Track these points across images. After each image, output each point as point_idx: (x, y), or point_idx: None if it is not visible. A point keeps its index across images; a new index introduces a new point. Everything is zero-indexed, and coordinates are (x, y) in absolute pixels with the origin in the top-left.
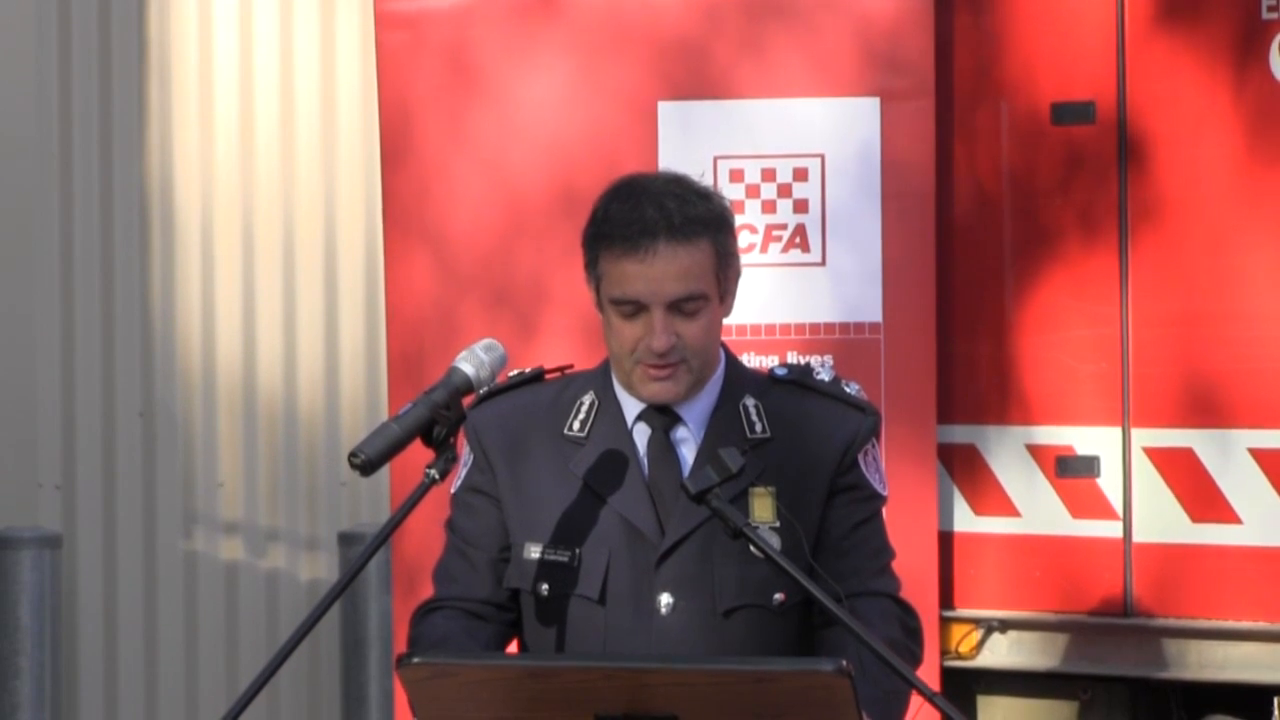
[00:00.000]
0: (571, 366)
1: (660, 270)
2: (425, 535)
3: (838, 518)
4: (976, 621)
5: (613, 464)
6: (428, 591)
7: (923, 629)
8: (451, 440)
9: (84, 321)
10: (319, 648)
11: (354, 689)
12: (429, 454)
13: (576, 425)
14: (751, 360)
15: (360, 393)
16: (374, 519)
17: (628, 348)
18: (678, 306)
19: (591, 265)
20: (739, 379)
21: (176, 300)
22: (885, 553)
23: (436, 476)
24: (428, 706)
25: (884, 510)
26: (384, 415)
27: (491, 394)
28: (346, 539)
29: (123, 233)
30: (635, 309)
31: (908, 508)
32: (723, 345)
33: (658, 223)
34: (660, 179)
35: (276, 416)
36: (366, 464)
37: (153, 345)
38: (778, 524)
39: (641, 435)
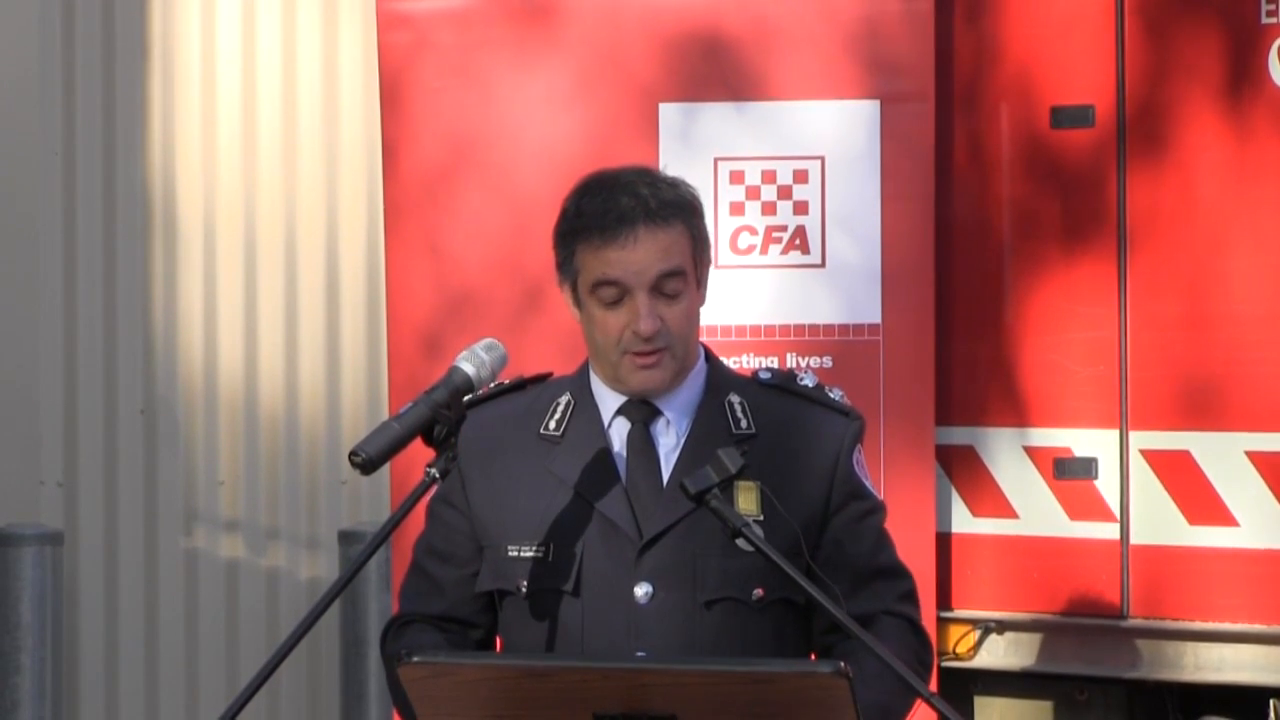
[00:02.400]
0: (551, 374)
1: (642, 254)
2: None
3: (851, 538)
4: (974, 622)
5: (589, 460)
6: None
7: (933, 660)
8: (452, 439)
9: (86, 320)
10: (319, 646)
11: (353, 687)
12: (429, 453)
13: (552, 425)
14: (750, 361)
15: (361, 391)
16: (374, 518)
17: (613, 338)
18: (659, 289)
19: (566, 262)
20: (723, 376)
21: (178, 298)
22: (906, 577)
23: (437, 475)
24: (426, 705)
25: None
26: (384, 414)
27: (472, 404)
28: (346, 537)
29: (125, 231)
30: (618, 295)
31: (906, 508)
32: (703, 345)
33: (635, 209)
34: (627, 171)
35: (277, 415)
36: (367, 462)
37: (154, 343)
38: (762, 517)
39: (618, 431)
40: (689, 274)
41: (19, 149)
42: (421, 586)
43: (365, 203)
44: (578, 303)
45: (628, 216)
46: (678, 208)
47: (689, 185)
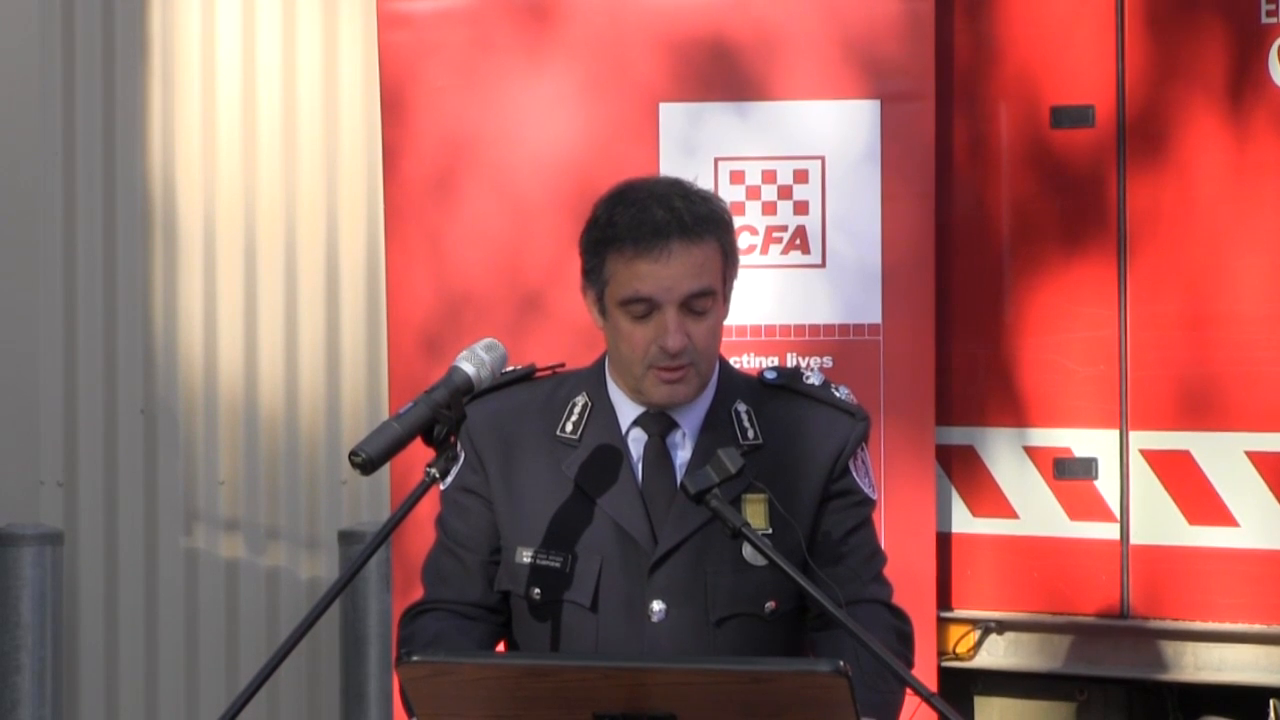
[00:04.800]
0: (563, 365)
1: (675, 269)
2: (425, 534)
3: (832, 523)
4: (974, 622)
5: (606, 467)
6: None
7: (914, 634)
8: (452, 439)
9: (86, 319)
10: (319, 646)
11: (353, 687)
12: (429, 453)
13: (569, 427)
14: (751, 361)
15: (361, 391)
16: (374, 517)
17: (639, 352)
18: (688, 306)
19: (595, 271)
20: (731, 384)
21: (178, 298)
22: (878, 558)
23: (437, 475)
24: (426, 705)
25: (874, 513)
26: (384, 414)
27: (483, 392)
28: (346, 537)
29: (125, 231)
30: (647, 310)
31: (906, 508)
32: None
33: (670, 223)
34: (660, 182)
35: (277, 415)
36: (367, 462)
37: (154, 343)
38: (770, 530)
39: (636, 440)
40: (718, 292)
41: (19, 149)
42: (445, 571)
43: (365, 203)
44: (603, 311)
45: (662, 230)
46: (711, 223)
47: (720, 200)
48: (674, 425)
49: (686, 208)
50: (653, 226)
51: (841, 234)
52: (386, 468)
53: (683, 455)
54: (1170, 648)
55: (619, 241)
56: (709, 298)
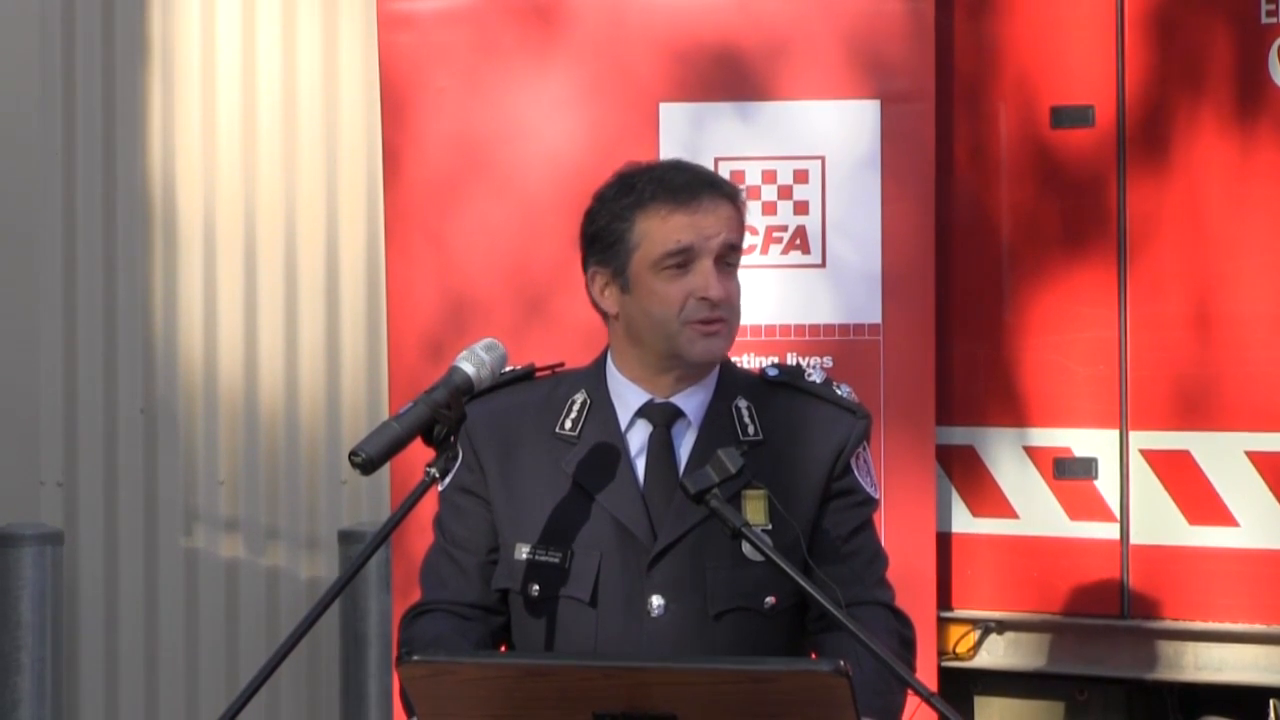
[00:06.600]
0: (562, 364)
1: (712, 220)
2: (425, 534)
3: (833, 523)
4: (974, 622)
5: (605, 463)
6: None
7: (916, 638)
8: (452, 439)
9: (86, 319)
10: (319, 646)
11: (353, 687)
12: (429, 453)
13: (568, 424)
14: (751, 361)
15: (361, 391)
16: (374, 517)
17: (676, 306)
18: (721, 261)
19: (618, 243)
20: (732, 378)
21: (178, 298)
22: (880, 560)
23: (437, 475)
24: (427, 704)
25: (876, 513)
26: (384, 414)
27: (482, 392)
28: (346, 537)
29: (125, 231)
30: (684, 262)
31: (906, 508)
32: None
33: (697, 180)
34: (659, 161)
35: (277, 414)
36: (367, 462)
37: (154, 343)
38: (770, 526)
39: (638, 434)
40: (741, 252)
41: (19, 149)
42: (444, 573)
43: (365, 203)
44: (624, 287)
45: (693, 185)
46: (729, 187)
47: None
48: (678, 415)
49: (705, 172)
50: (684, 182)
51: (841, 234)
52: (386, 468)
53: (687, 447)
54: (1170, 647)
55: (653, 201)
56: (738, 253)
